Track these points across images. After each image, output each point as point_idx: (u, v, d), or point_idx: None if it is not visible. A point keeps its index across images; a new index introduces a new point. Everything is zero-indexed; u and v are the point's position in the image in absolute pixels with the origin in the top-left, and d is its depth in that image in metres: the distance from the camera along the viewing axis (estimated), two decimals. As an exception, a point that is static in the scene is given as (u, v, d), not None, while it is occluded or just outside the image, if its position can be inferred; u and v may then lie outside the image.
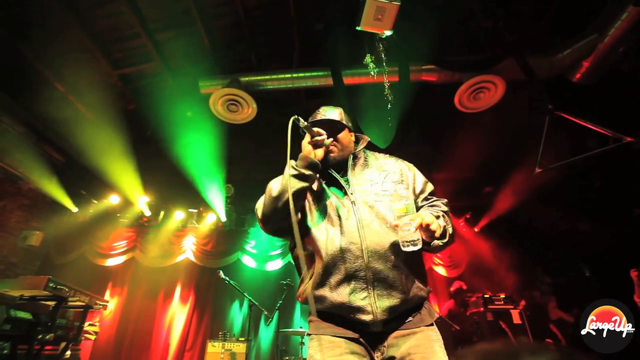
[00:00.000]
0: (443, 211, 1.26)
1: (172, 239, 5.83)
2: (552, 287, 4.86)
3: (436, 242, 1.15)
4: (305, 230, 1.25)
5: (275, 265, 5.74)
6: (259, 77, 4.43)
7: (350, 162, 1.37)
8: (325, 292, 1.15)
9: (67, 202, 5.38)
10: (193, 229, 5.96)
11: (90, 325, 3.91)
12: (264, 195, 1.26)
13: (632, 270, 3.25)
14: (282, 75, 4.41)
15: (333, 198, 1.27)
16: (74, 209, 5.52)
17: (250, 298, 3.88)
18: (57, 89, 4.56)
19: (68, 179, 5.34)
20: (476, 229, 5.83)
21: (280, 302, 3.76)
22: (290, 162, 1.23)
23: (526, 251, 5.32)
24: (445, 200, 1.34)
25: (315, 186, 1.31)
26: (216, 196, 5.58)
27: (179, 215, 5.90)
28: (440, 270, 5.70)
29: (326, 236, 1.19)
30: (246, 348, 4.42)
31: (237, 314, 5.56)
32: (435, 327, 1.19)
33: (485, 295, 4.29)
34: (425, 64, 4.17)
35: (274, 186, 1.24)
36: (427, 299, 1.25)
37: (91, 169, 5.54)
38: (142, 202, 5.69)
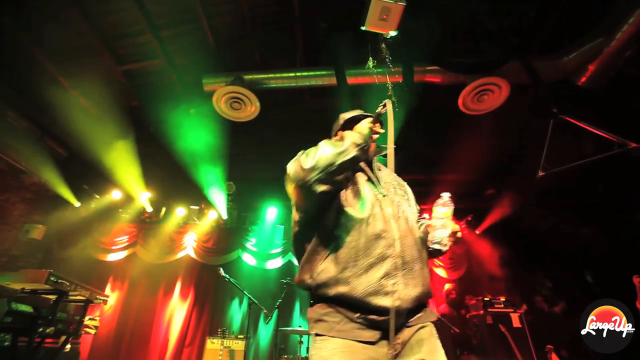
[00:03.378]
0: None
1: (173, 236, 5.85)
2: (553, 292, 4.84)
3: (445, 248, 1.32)
4: (339, 209, 1.24)
5: (275, 263, 5.75)
6: (262, 75, 4.43)
7: (375, 162, 1.47)
8: (353, 273, 1.13)
9: (69, 196, 5.40)
10: (194, 226, 5.98)
11: (90, 319, 3.93)
12: (313, 150, 1.20)
13: (635, 277, 3.23)
14: (286, 74, 4.40)
15: (367, 188, 1.32)
16: (77, 204, 5.54)
17: (249, 296, 3.89)
18: (61, 84, 4.58)
19: (71, 173, 5.36)
20: (477, 232, 5.81)
21: (279, 300, 3.77)
22: (353, 133, 1.27)
23: (527, 255, 5.30)
24: None
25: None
26: (218, 193, 5.60)
27: (180, 211, 5.92)
28: (441, 272, 5.70)
29: (363, 218, 1.21)
30: (245, 345, 4.43)
31: (237, 312, 5.58)
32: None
33: (485, 299, 4.27)
34: (429, 64, 4.15)
35: (335, 144, 1.20)
36: None
37: (94, 164, 5.56)
38: (143, 198, 5.71)
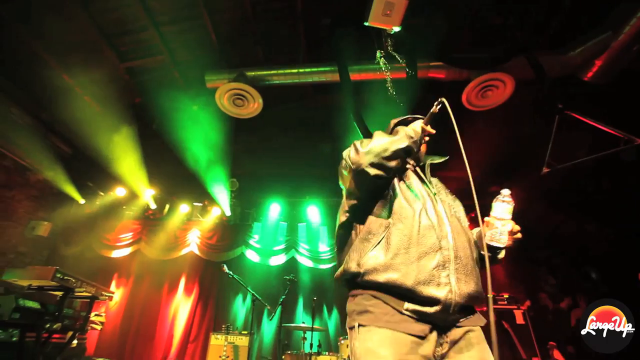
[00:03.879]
0: None
1: (177, 232, 5.89)
2: (557, 288, 4.83)
3: (500, 255, 1.28)
4: (391, 198, 1.28)
5: (278, 260, 5.77)
6: (265, 72, 4.41)
7: (428, 162, 1.52)
8: (405, 260, 1.11)
9: (74, 193, 5.44)
10: (198, 223, 6.00)
11: (96, 315, 3.97)
12: (368, 140, 1.30)
13: (640, 274, 3.21)
14: (289, 70, 4.38)
15: (418, 184, 1.35)
16: (81, 201, 5.58)
17: (253, 292, 3.92)
18: (65, 81, 4.59)
19: (75, 170, 5.39)
20: (481, 228, 5.81)
21: (283, 297, 3.79)
22: (408, 128, 1.35)
23: (531, 251, 5.28)
24: None
25: (408, 166, 1.43)
26: (221, 190, 5.61)
27: (184, 208, 5.94)
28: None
29: (418, 209, 1.22)
30: (249, 341, 4.47)
31: (240, 308, 5.62)
32: None
33: (488, 295, 4.27)
34: (433, 60, 4.12)
35: (391, 136, 1.30)
36: None
37: (98, 161, 5.59)
38: (147, 195, 5.74)
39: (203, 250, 5.81)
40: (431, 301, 1.06)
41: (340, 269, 1.27)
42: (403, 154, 1.28)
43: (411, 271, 1.09)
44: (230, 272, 3.86)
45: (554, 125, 3.19)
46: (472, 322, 1.14)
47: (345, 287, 1.27)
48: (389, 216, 1.23)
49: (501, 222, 1.18)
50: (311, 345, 4.25)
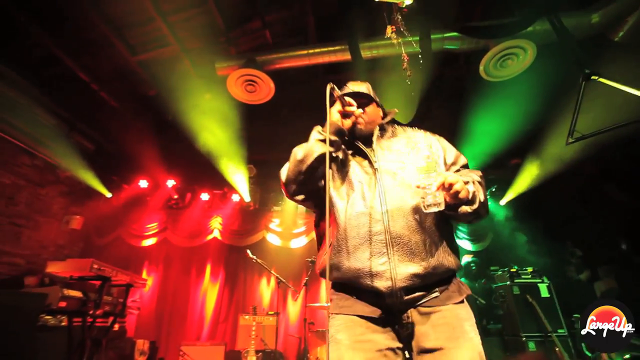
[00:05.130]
0: (475, 180, 1.16)
1: (200, 220, 6.08)
2: (583, 260, 4.73)
3: (464, 207, 1.08)
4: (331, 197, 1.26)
5: (299, 242, 5.90)
6: (274, 56, 4.36)
7: (376, 132, 1.35)
8: (342, 257, 1.12)
9: (100, 187, 5.68)
10: (219, 210, 6.17)
11: (133, 301, 4.24)
12: (289, 161, 1.29)
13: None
14: (298, 52, 4.31)
15: (356, 167, 1.28)
16: (108, 194, 5.83)
17: (277, 276, 4.05)
18: (81, 79, 4.69)
19: (99, 165, 5.61)
20: (502, 203, 5.69)
21: (307, 278, 3.90)
22: (317, 128, 1.28)
23: (556, 223, 5.16)
24: (480, 172, 1.26)
25: (340, 155, 1.30)
26: (239, 177, 5.71)
27: (204, 196, 6.10)
28: (466, 245, 5.68)
29: (346, 201, 1.19)
30: (276, 321, 4.67)
31: (265, 289, 5.84)
32: (465, 304, 1.13)
33: (512, 270, 4.24)
34: (447, 31, 3.94)
35: (299, 150, 1.26)
36: (456, 273, 1.18)
37: (120, 155, 5.79)
38: (169, 185, 5.91)
39: (226, 236, 6.00)
40: (373, 292, 1.07)
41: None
42: (320, 163, 1.19)
43: (349, 267, 1.10)
44: (255, 257, 3.99)
45: (580, 91, 3.02)
46: (439, 301, 1.08)
47: None
48: (330, 215, 1.21)
49: (427, 183, 1.03)
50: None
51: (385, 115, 1.46)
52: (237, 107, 4.90)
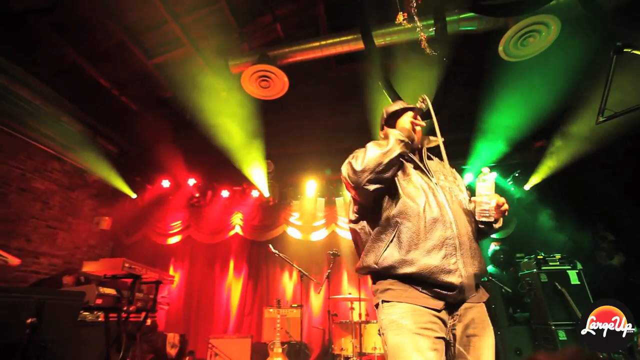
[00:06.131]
0: None
1: (221, 217, 6.22)
2: (615, 244, 4.51)
3: (496, 225, 1.39)
4: (395, 198, 1.36)
5: (319, 235, 5.93)
6: (286, 49, 4.34)
7: (425, 152, 1.57)
8: (417, 255, 1.24)
9: (126, 189, 5.91)
10: (239, 206, 6.28)
11: (162, 297, 4.42)
12: (362, 152, 1.37)
13: None
14: (310, 44, 4.28)
15: (417, 176, 1.42)
16: (133, 195, 6.05)
17: (300, 269, 4.09)
18: (102, 86, 4.86)
19: (123, 168, 5.83)
20: (526, 187, 5.49)
21: (329, 271, 3.92)
22: (395, 131, 1.42)
23: (585, 207, 4.93)
24: None
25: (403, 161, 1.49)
26: (257, 172, 5.78)
27: (224, 193, 6.23)
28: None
29: (422, 205, 1.31)
30: (300, 313, 4.75)
31: (288, 283, 5.94)
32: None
33: (539, 257, 4.11)
34: (463, 12, 3.79)
35: (380, 144, 1.37)
36: None
37: (142, 156, 5.98)
38: (190, 183, 6.07)
39: (247, 232, 6.11)
40: (448, 287, 1.21)
41: (359, 263, 1.41)
42: (397, 162, 1.35)
43: (425, 264, 1.22)
44: (277, 251, 4.05)
45: (611, 66, 2.84)
46: (477, 298, 1.29)
47: (366, 275, 1.43)
48: (397, 216, 1.32)
49: (487, 198, 1.31)
50: (360, 315, 4.43)
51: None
52: (252, 103, 4.93)
